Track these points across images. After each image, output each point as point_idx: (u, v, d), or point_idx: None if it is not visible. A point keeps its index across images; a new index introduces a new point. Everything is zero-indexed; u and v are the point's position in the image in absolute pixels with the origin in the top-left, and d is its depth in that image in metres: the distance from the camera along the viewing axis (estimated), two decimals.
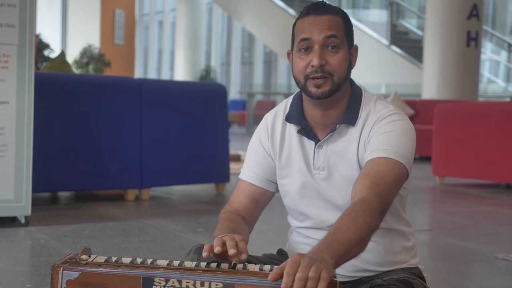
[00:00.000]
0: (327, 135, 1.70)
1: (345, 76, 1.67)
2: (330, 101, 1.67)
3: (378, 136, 1.63)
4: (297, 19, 1.70)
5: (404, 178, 1.61)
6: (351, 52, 1.69)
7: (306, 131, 1.72)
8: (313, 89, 1.64)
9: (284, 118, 1.77)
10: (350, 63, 1.69)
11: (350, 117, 1.68)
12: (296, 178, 1.74)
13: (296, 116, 1.74)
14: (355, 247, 1.39)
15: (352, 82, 1.74)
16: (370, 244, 1.64)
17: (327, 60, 1.63)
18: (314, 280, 1.20)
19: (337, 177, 1.69)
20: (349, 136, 1.69)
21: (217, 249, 1.40)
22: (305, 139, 1.73)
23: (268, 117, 1.81)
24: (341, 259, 1.33)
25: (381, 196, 1.50)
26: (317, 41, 1.63)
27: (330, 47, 1.63)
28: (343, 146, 1.69)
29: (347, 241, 1.36)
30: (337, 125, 1.68)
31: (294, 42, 1.69)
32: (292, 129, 1.75)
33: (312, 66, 1.63)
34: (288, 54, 1.75)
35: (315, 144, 1.71)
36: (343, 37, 1.65)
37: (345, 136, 1.69)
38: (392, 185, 1.55)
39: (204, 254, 1.42)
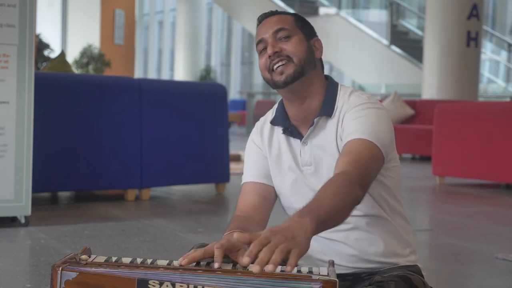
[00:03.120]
0: (308, 131, 1.74)
1: (307, 59, 1.71)
2: (301, 91, 1.72)
3: (351, 121, 1.67)
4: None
5: (380, 159, 1.64)
6: (312, 43, 1.74)
7: (291, 130, 1.77)
8: (277, 77, 1.69)
9: (270, 122, 1.83)
10: (310, 50, 1.73)
11: (327, 109, 1.73)
12: (287, 176, 1.78)
13: (280, 118, 1.79)
14: (336, 214, 1.42)
15: (329, 78, 1.79)
16: (365, 234, 1.70)
17: (281, 47, 1.69)
18: (278, 256, 1.21)
19: (324, 171, 1.73)
20: (328, 128, 1.73)
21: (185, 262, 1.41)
22: (291, 139, 1.78)
23: (257, 123, 1.89)
24: (322, 224, 1.36)
25: (360, 169, 1.54)
26: (268, 36, 1.70)
27: (283, 38, 1.70)
28: (324, 139, 1.73)
29: (328, 207, 1.39)
30: (315, 119, 1.72)
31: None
32: (279, 131, 1.81)
33: (269, 56, 1.69)
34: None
35: (300, 141, 1.76)
36: (294, 28, 1.72)
37: (324, 129, 1.73)
38: (369, 160, 1.58)
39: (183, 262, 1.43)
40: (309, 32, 1.75)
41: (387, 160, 1.68)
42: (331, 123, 1.72)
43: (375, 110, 1.69)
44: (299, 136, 1.77)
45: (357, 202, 1.51)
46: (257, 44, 1.74)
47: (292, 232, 1.27)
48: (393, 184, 1.77)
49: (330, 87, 1.76)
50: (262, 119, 1.89)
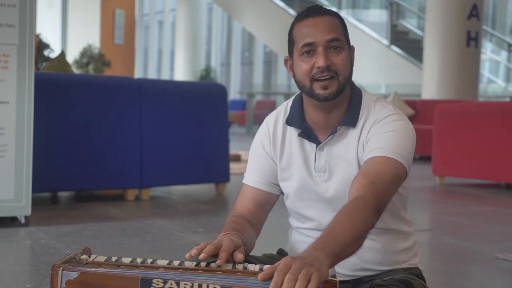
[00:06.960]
0: (328, 137, 1.69)
1: (349, 77, 1.67)
2: (333, 103, 1.67)
3: (377, 135, 1.63)
4: (294, 24, 1.70)
5: (403, 178, 1.61)
6: (351, 54, 1.70)
7: (307, 133, 1.72)
8: (320, 91, 1.63)
9: (284, 121, 1.76)
10: (351, 65, 1.69)
11: (350, 119, 1.68)
12: (295, 180, 1.74)
13: (296, 119, 1.73)
14: (351, 246, 1.40)
15: (352, 84, 1.74)
16: (370, 243, 1.65)
17: (332, 61, 1.63)
18: (303, 282, 1.21)
19: (337, 179, 1.69)
20: (350, 138, 1.68)
21: (201, 256, 1.40)
22: (306, 142, 1.73)
23: (269, 120, 1.81)
24: (337, 258, 1.34)
25: (378, 195, 1.50)
26: (320, 43, 1.62)
27: (332, 48, 1.63)
28: (344, 148, 1.69)
29: (343, 240, 1.37)
30: (338, 127, 1.68)
31: (294, 47, 1.68)
32: (292, 132, 1.75)
33: (318, 67, 1.62)
34: (286, 61, 1.73)
35: (316, 146, 1.71)
36: (343, 39, 1.66)
37: (345, 138, 1.69)
38: (389, 184, 1.55)
39: (193, 252, 1.41)
40: (348, 39, 1.69)
41: (409, 175, 1.65)
42: (353, 133, 1.68)
43: (402, 123, 1.65)
44: (315, 140, 1.71)
45: (371, 228, 1.48)
46: (304, 45, 1.63)
47: (310, 260, 1.27)
48: (406, 192, 1.75)
49: (354, 95, 1.72)
50: (272, 117, 1.81)
